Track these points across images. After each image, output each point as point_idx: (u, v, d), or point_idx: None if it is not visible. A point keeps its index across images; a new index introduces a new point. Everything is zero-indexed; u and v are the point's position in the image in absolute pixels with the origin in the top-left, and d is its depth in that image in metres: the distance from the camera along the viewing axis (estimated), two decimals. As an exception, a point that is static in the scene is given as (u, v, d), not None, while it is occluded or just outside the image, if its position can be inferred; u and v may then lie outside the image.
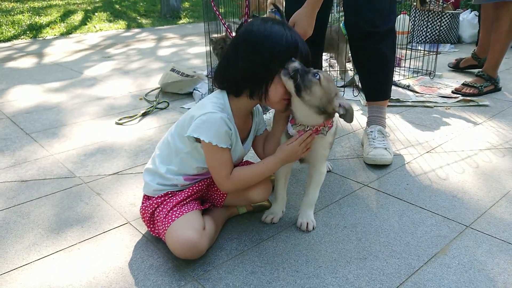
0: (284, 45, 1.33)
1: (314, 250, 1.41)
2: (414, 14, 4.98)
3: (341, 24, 3.36)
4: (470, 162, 2.02)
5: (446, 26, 5.06)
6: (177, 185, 1.47)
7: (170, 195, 1.46)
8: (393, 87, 3.28)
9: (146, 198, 1.50)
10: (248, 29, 1.38)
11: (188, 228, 1.34)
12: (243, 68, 1.35)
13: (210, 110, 1.35)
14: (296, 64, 1.33)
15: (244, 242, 1.47)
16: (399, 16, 4.82)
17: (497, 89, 3.15)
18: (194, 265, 1.35)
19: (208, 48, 3.40)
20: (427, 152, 2.14)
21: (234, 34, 2.47)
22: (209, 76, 3.29)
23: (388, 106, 2.86)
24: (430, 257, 1.36)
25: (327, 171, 1.88)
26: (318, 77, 1.32)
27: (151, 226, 1.46)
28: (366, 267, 1.33)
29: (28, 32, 6.54)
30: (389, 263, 1.34)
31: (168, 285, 1.27)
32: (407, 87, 3.28)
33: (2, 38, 6.13)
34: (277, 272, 1.32)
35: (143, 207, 1.49)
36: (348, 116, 1.35)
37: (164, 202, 1.44)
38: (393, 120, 2.62)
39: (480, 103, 2.86)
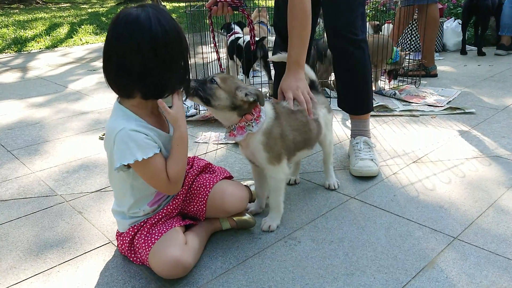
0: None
1: (301, 267, 1.38)
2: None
3: (394, 50, 3.40)
4: (456, 172, 2.01)
5: (430, 35, 5.10)
6: (148, 213, 1.44)
7: (144, 222, 1.42)
8: (380, 96, 3.30)
9: (119, 234, 1.47)
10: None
11: (169, 246, 1.31)
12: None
13: (116, 128, 1.26)
14: (192, 83, 1.41)
15: (229, 259, 1.43)
16: (384, 25, 4.86)
17: (429, 75, 3.88)
18: (178, 285, 1.32)
19: (193, 60, 3.38)
20: (414, 162, 2.13)
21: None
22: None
23: (376, 115, 2.86)
24: (418, 271, 1.34)
25: (333, 189, 1.88)
26: (215, 82, 1.42)
27: (132, 255, 1.42)
28: (353, 283, 1.30)
29: (12, 46, 6.47)
30: (376, 278, 1.32)
31: (150, 308, 1.23)
32: (393, 96, 3.29)
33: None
34: (262, 291, 1.28)
35: (119, 245, 1.46)
36: (260, 100, 1.44)
37: (141, 229, 1.40)
38: (379, 129, 2.61)
39: (466, 111, 2.88)
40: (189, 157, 1.65)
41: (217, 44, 2.46)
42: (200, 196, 1.50)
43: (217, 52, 2.15)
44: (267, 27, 4.55)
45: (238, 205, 1.52)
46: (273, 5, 2.29)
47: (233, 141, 1.53)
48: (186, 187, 1.52)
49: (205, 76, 3.61)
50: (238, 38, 3.53)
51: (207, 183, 1.51)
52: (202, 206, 1.50)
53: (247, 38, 3.49)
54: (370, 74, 2.12)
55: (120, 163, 1.26)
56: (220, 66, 2.11)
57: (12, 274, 1.40)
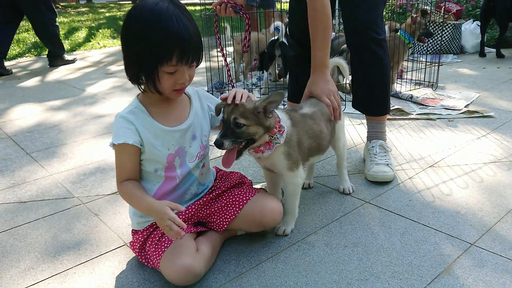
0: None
1: (314, 272, 1.38)
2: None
3: (399, 33, 3.36)
4: (474, 177, 1.98)
5: (448, 37, 5.04)
6: None
7: (156, 226, 1.42)
8: (396, 99, 3.27)
9: (134, 232, 1.49)
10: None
11: (180, 254, 1.31)
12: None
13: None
14: (226, 143, 1.36)
15: (242, 264, 1.44)
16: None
17: None
18: (191, 288, 1.32)
19: (208, 63, 3.41)
20: (430, 166, 2.11)
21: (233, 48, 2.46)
22: (210, 91, 3.28)
23: (392, 119, 2.83)
24: (433, 278, 1.32)
25: (347, 194, 1.87)
26: (241, 125, 1.36)
27: (143, 258, 1.44)
28: (367, 289, 1.29)
29: (32, 50, 6.61)
30: (391, 284, 1.31)
31: (164, 311, 1.24)
32: (410, 99, 3.25)
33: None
34: (275, 295, 1.28)
35: (131, 242, 1.48)
36: (277, 103, 1.41)
37: (154, 233, 1.42)
38: (395, 133, 2.59)
39: (485, 114, 2.83)
40: (215, 167, 1.69)
41: (223, 48, 2.46)
42: (230, 211, 1.49)
43: (224, 56, 2.15)
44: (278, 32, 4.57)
45: (277, 219, 1.53)
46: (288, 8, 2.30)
47: (259, 157, 1.52)
48: (207, 199, 1.51)
49: (219, 80, 3.63)
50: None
51: (239, 200, 1.50)
52: (227, 221, 1.49)
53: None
54: (390, 74, 2.10)
55: (109, 145, 1.37)
56: (228, 71, 2.11)
57: (30, 274, 1.43)
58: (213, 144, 1.38)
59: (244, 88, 1.71)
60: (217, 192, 1.54)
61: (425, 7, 3.94)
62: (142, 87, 1.37)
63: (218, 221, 1.50)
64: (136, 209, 1.41)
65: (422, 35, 3.44)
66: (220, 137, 1.37)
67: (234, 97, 1.37)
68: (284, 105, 2.94)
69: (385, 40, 2.03)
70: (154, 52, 1.25)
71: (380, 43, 1.99)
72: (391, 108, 2.97)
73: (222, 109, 1.42)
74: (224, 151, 1.41)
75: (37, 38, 7.29)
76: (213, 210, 1.51)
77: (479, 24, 4.99)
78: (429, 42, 4.69)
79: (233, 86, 3.21)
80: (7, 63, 5.81)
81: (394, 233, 1.57)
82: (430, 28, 4.40)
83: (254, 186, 1.65)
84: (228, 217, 1.49)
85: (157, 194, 1.43)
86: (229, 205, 1.50)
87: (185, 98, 1.50)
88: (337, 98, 1.76)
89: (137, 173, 1.40)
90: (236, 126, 1.37)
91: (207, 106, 1.54)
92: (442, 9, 4.59)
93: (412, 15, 3.51)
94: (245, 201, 1.49)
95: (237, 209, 1.48)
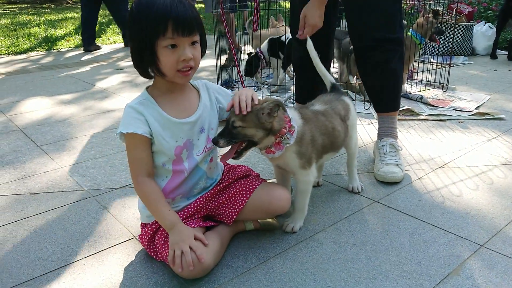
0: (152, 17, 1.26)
1: (322, 269, 1.38)
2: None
3: (410, 33, 3.35)
4: (484, 178, 1.96)
5: (459, 38, 5.01)
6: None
7: None
8: (406, 100, 3.26)
9: (143, 225, 1.49)
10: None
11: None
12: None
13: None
14: (216, 138, 1.38)
15: (250, 259, 1.44)
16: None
17: None
18: (200, 282, 1.33)
19: (218, 61, 3.41)
20: (440, 167, 2.09)
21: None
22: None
23: (402, 119, 2.82)
24: (442, 278, 1.32)
25: (356, 193, 1.86)
26: (236, 127, 1.38)
27: (152, 251, 1.45)
28: (375, 287, 1.29)
29: (43, 44, 6.66)
30: (399, 283, 1.30)
31: (172, 304, 1.25)
32: (420, 100, 3.23)
33: (18, 50, 6.24)
34: (283, 291, 1.28)
35: (140, 236, 1.49)
36: (282, 107, 1.41)
37: (161, 228, 1.42)
38: (405, 134, 2.57)
39: (496, 116, 2.81)
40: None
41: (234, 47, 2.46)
42: (238, 201, 1.49)
43: (234, 55, 2.15)
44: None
45: (285, 206, 1.52)
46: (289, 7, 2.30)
47: (271, 157, 1.52)
48: (214, 191, 1.52)
49: (228, 77, 3.63)
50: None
51: (246, 189, 1.50)
52: (235, 212, 1.49)
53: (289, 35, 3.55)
54: (401, 74, 2.09)
55: (116, 133, 1.38)
56: (239, 71, 2.12)
57: (39, 265, 1.44)
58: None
59: (253, 86, 1.71)
60: (224, 184, 1.55)
61: (437, 8, 3.91)
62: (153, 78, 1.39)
63: (227, 212, 1.51)
64: (152, 214, 1.41)
65: (434, 34, 3.41)
66: (218, 135, 1.40)
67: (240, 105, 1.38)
68: (292, 103, 2.94)
69: (393, 39, 1.98)
70: (150, 26, 1.26)
71: (386, 45, 1.97)
72: (401, 109, 2.96)
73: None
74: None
75: (48, 33, 7.35)
76: (221, 201, 1.52)
77: (491, 26, 4.95)
78: (440, 43, 4.65)
79: (243, 84, 3.22)
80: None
81: (403, 232, 1.56)
82: (442, 27, 4.37)
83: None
84: (236, 207, 1.49)
85: (166, 190, 1.43)
86: (237, 195, 1.50)
87: (194, 91, 1.50)
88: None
89: (151, 165, 1.40)
90: (232, 127, 1.39)
91: (215, 98, 1.53)
92: (454, 10, 4.56)
93: (422, 15, 3.49)
94: (252, 190, 1.50)
95: (245, 198, 1.49)
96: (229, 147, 1.44)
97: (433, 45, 4.90)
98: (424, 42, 3.40)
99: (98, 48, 6.32)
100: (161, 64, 1.31)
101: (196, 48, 1.34)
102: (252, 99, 1.39)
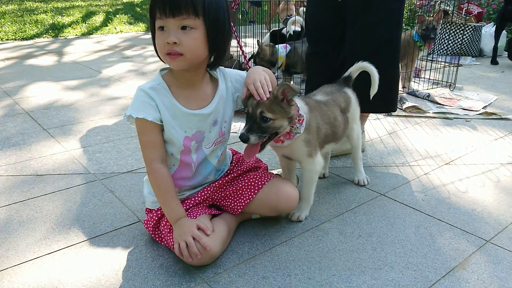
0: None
1: (328, 258, 1.38)
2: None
3: (413, 32, 3.33)
4: (490, 176, 1.96)
5: (468, 39, 4.99)
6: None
7: None
8: (413, 97, 3.25)
9: (148, 211, 1.49)
10: None
11: None
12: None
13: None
14: (252, 138, 1.34)
15: (256, 246, 1.44)
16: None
17: None
18: (205, 267, 1.33)
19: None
20: (446, 164, 2.09)
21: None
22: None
23: (408, 116, 2.81)
24: (448, 271, 1.32)
25: (362, 185, 1.86)
26: (267, 119, 1.34)
27: (157, 236, 1.44)
28: (381, 277, 1.29)
29: (50, 31, 6.65)
30: (405, 274, 1.30)
31: (178, 286, 1.25)
32: (427, 98, 3.22)
33: (24, 36, 6.24)
34: (289, 278, 1.28)
35: (145, 221, 1.47)
36: (294, 90, 1.35)
37: None
38: (411, 130, 2.57)
39: (503, 116, 2.80)
40: (231, 149, 1.68)
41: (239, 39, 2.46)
42: (246, 195, 1.48)
43: (241, 47, 2.14)
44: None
45: (293, 205, 1.52)
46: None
47: (278, 146, 1.51)
48: (222, 182, 1.51)
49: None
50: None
51: (255, 184, 1.49)
52: (241, 206, 1.48)
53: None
54: (398, 80, 2.11)
55: (125, 114, 1.33)
56: (246, 62, 2.11)
57: (45, 244, 1.44)
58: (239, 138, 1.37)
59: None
60: (232, 175, 1.54)
61: (446, 8, 3.90)
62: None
63: (233, 205, 1.50)
64: (159, 203, 1.40)
65: (421, 36, 3.31)
66: (246, 131, 1.34)
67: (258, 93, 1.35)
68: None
69: (392, 45, 2.01)
70: (150, 7, 1.28)
71: (386, 52, 1.99)
72: (408, 106, 2.95)
73: (245, 102, 1.40)
74: None
75: (55, 20, 7.34)
76: (227, 193, 1.51)
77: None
78: (449, 43, 4.63)
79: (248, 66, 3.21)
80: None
81: (408, 225, 1.56)
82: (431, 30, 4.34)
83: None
84: (243, 200, 1.48)
85: (174, 178, 1.41)
86: (245, 189, 1.49)
87: (211, 81, 1.45)
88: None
89: (164, 150, 1.37)
90: (262, 120, 1.35)
91: (233, 88, 1.48)
92: (463, 10, 4.54)
93: (433, 15, 3.48)
94: (260, 186, 1.48)
95: (253, 193, 1.48)
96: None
97: (442, 44, 4.88)
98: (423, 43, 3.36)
99: None
100: (155, 46, 1.31)
101: (188, 34, 1.24)
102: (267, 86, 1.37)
